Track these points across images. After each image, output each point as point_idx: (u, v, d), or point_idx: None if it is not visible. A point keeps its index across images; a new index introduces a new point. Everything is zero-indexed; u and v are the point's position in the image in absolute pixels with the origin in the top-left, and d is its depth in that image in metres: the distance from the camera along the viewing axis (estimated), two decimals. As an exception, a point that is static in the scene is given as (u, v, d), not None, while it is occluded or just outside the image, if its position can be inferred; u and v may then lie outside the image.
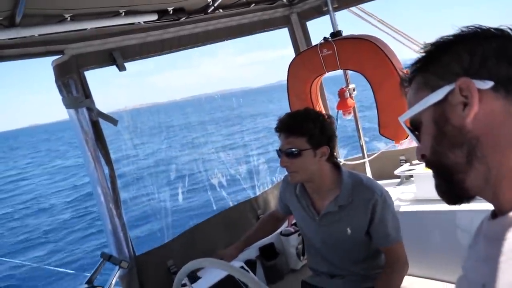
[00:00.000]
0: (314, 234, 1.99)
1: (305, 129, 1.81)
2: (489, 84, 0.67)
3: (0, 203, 21.28)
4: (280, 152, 1.88)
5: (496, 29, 0.70)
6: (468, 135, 0.69)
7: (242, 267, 2.16)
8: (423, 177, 2.52)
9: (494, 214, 0.73)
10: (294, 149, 1.82)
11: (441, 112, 0.72)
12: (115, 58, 2.12)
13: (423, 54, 0.77)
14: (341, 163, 2.07)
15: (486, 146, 0.68)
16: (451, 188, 0.75)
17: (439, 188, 0.78)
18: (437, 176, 0.78)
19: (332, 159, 1.91)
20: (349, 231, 1.87)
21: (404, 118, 0.80)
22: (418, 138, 0.80)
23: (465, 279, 0.75)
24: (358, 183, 1.87)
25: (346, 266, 1.96)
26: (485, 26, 0.71)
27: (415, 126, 0.79)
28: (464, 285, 0.74)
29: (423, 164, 2.65)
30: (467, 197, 0.75)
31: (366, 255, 1.95)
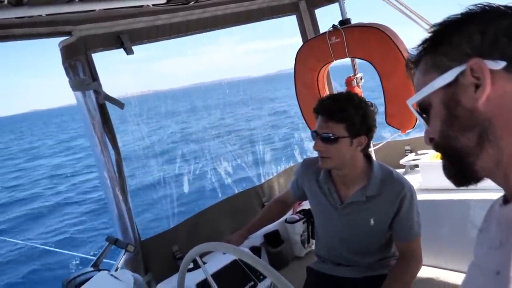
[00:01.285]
0: (332, 222, 1.96)
1: (346, 115, 1.73)
2: (501, 64, 0.65)
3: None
4: (315, 134, 1.81)
5: (506, 6, 0.68)
6: (480, 118, 0.67)
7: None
8: (428, 166, 2.53)
9: (506, 200, 0.72)
10: (331, 135, 1.75)
11: (452, 94, 0.70)
12: (122, 41, 2.10)
13: (431, 34, 0.75)
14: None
15: (499, 129, 0.66)
16: (460, 171, 0.74)
17: (448, 171, 0.77)
18: (446, 159, 0.77)
19: (366, 150, 1.87)
20: (372, 222, 1.85)
21: (412, 101, 0.79)
22: (426, 122, 0.78)
23: (478, 266, 0.74)
24: (387, 175, 1.84)
25: (358, 256, 1.95)
26: (494, 4, 0.69)
27: (424, 109, 0.77)
28: (477, 273, 0.73)
29: (429, 154, 2.66)
30: (475, 179, 0.74)
31: (378, 247, 1.94)
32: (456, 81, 0.69)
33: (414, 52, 0.78)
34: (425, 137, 0.80)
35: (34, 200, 16.98)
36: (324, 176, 1.95)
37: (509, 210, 0.68)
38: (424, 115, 0.78)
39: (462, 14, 0.71)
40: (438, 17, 0.76)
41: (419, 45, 0.77)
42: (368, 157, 1.91)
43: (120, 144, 2.15)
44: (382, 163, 1.92)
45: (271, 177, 2.99)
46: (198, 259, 1.41)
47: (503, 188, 0.72)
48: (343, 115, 1.73)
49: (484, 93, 0.66)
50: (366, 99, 1.90)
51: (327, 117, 1.77)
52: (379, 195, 1.82)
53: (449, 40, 0.71)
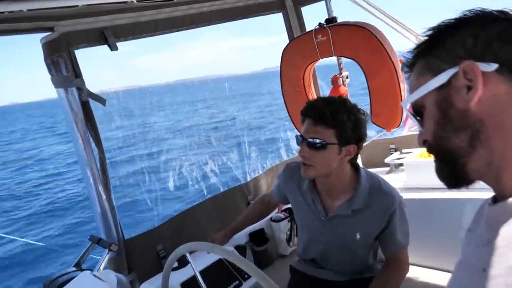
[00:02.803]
0: (316, 232, 1.88)
1: (337, 120, 1.59)
2: (493, 66, 0.66)
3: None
4: (301, 139, 1.67)
5: (499, 11, 0.70)
6: (472, 119, 0.68)
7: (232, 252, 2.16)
8: (413, 165, 2.55)
9: (495, 199, 0.73)
10: (319, 140, 1.61)
11: (445, 96, 0.71)
12: (106, 37, 2.06)
13: (426, 38, 0.76)
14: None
15: (490, 130, 0.68)
16: (453, 172, 0.75)
17: (441, 172, 0.78)
18: (439, 160, 0.78)
19: (355, 160, 1.75)
20: (358, 236, 1.76)
21: (407, 102, 0.80)
22: (420, 123, 0.79)
23: (465, 264, 0.75)
24: (376, 187, 1.73)
25: (341, 266, 1.90)
26: (487, 9, 0.71)
27: (418, 111, 0.78)
28: (463, 271, 0.74)
29: (413, 153, 2.68)
30: (467, 181, 0.75)
31: (365, 257, 1.88)
32: (449, 83, 0.70)
33: (409, 56, 0.80)
34: (418, 138, 0.81)
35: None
36: (308, 186, 1.84)
37: (498, 208, 0.69)
38: (418, 118, 0.79)
39: (456, 19, 0.73)
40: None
41: (414, 49, 0.78)
42: (355, 166, 1.79)
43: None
44: (370, 173, 1.82)
45: (257, 175, 2.98)
46: (187, 255, 1.41)
47: (494, 189, 0.73)
48: (335, 119, 1.60)
49: (476, 94, 0.67)
50: (350, 98, 1.85)
51: (316, 121, 1.63)
52: (367, 208, 1.72)
53: (443, 43, 0.72)
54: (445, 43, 0.72)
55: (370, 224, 1.74)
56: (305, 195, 1.86)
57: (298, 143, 1.70)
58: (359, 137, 1.68)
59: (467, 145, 0.70)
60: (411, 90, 0.79)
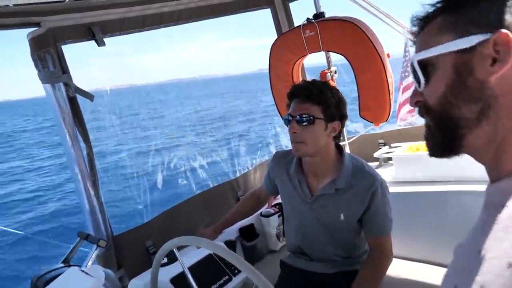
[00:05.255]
0: (302, 216, 1.94)
1: (323, 97, 1.74)
2: None
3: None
4: (290, 117, 1.78)
5: None
6: (488, 92, 0.65)
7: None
8: (401, 159, 2.57)
9: (492, 181, 0.70)
10: (307, 115, 1.73)
11: (466, 61, 0.66)
12: (94, 32, 2.05)
13: None
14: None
15: (502, 108, 0.65)
16: (447, 141, 0.73)
17: (432, 139, 0.75)
18: (437, 126, 0.74)
19: (338, 139, 1.87)
20: (342, 216, 1.82)
21: (421, 56, 0.73)
22: (424, 82, 0.73)
23: (463, 247, 0.72)
24: (359, 168, 1.82)
25: (328, 250, 1.94)
26: None
27: (424, 68, 0.73)
28: (462, 254, 0.71)
29: (402, 147, 2.70)
30: (457, 153, 0.73)
31: (352, 241, 1.93)
32: (473, 48, 0.65)
33: (427, 7, 0.74)
34: (412, 98, 0.77)
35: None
36: (295, 168, 1.93)
37: (494, 188, 0.68)
38: (423, 75, 0.73)
39: None
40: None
41: (438, 2, 0.72)
42: (339, 149, 1.90)
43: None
44: (354, 156, 1.91)
45: (246, 171, 2.99)
46: (175, 251, 1.40)
47: (489, 168, 0.70)
48: (321, 96, 1.74)
49: (502, 69, 0.63)
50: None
51: (303, 99, 1.76)
52: (350, 188, 1.80)
53: (476, 3, 0.66)
54: (479, 4, 0.66)
55: (353, 204, 1.82)
56: (292, 178, 1.94)
57: (286, 124, 1.81)
58: (342, 114, 1.81)
59: (474, 118, 0.67)
60: (423, 44, 0.73)
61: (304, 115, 1.74)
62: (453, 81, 0.68)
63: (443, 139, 0.73)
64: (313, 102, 1.74)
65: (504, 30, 0.62)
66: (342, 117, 1.81)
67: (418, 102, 0.75)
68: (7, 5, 1.75)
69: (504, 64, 0.63)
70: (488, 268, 0.58)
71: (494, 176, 0.69)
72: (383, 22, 2.53)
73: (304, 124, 1.75)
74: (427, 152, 0.79)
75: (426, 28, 0.73)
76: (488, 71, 0.64)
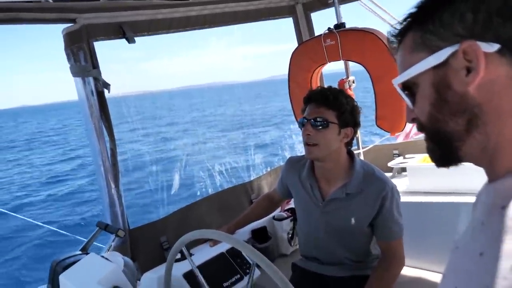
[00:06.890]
0: (314, 220, 1.96)
1: (338, 103, 1.80)
2: (495, 47, 0.61)
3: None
4: (305, 120, 1.83)
5: None
6: (470, 103, 0.64)
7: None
8: (416, 170, 2.59)
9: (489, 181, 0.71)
10: (322, 119, 1.78)
11: (442, 77, 0.66)
12: (124, 31, 2.15)
13: (417, 8, 0.70)
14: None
15: (488, 115, 0.64)
16: (446, 154, 0.73)
17: (433, 152, 0.76)
18: (433, 142, 0.74)
19: (350, 146, 1.91)
20: (353, 220, 1.85)
21: (399, 81, 0.74)
22: (411, 101, 0.74)
23: (461, 249, 0.71)
24: (369, 173, 1.85)
25: (339, 254, 1.95)
26: None
27: (408, 88, 0.73)
28: (459, 256, 0.70)
29: (416, 158, 2.73)
30: (459, 162, 0.73)
31: (363, 246, 1.95)
32: (446, 62, 0.65)
33: (398, 27, 0.73)
34: (407, 115, 0.78)
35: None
36: (307, 173, 1.96)
37: (491, 188, 0.67)
38: (408, 95, 0.74)
39: None
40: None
41: (405, 19, 0.72)
42: (351, 155, 1.93)
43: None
44: (365, 161, 1.94)
45: (260, 175, 3.04)
46: (184, 249, 1.41)
47: (487, 173, 0.70)
48: (336, 102, 1.79)
49: (477, 78, 0.62)
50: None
51: (319, 104, 1.81)
52: (360, 193, 1.83)
53: (439, 17, 0.66)
54: (442, 17, 0.65)
55: (363, 209, 1.84)
56: (304, 182, 1.98)
57: (300, 127, 1.87)
58: (355, 122, 1.85)
59: (464, 129, 0.66)
60: (402, 66, 0.72)
61: (318, 119, 1.79)
62: (435, 99, 0.68)
63: (441, 153, 0.74)
64: (328, 107, 1.79)
65: (469, 40, 0.62)
66: (355, 124, 1.86)
67: (414, 119, 0.76)
68: (47, 1, 1.85)
69: (478, 72, 0.62)
70: (492, 270, 0.56)
71: (492, 176, 0.69)
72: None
73: (318, 127, 1.80)
74: None
75: (400, 46, 0.73)
76: (465, 82, 0.64)
